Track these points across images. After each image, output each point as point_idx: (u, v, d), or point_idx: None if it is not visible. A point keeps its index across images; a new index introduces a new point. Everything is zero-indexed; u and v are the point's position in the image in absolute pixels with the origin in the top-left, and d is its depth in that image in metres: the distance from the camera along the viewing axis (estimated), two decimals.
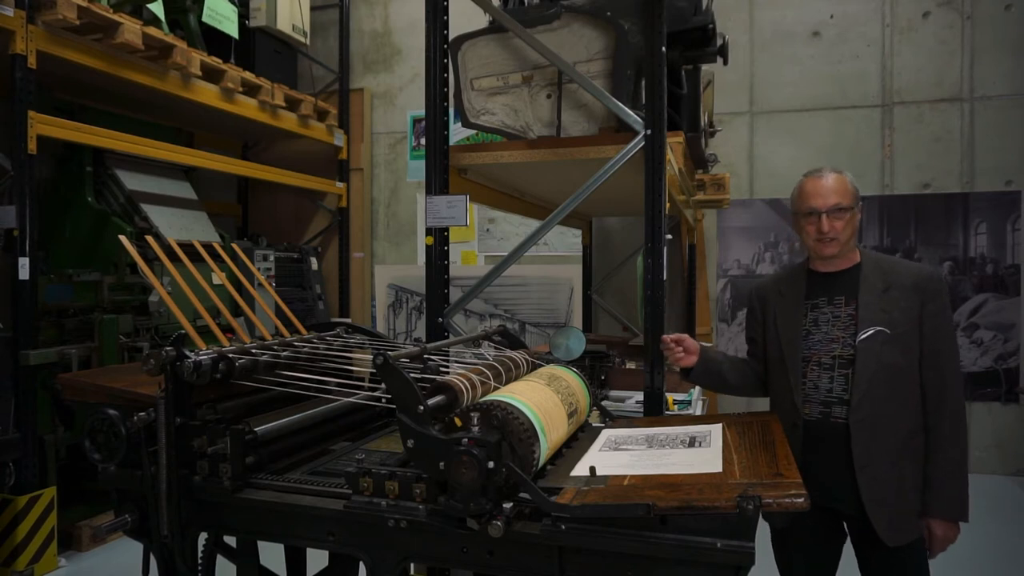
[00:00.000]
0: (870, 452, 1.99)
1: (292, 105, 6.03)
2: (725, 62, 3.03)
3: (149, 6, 4.61)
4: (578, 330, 2.16)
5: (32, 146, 3.80)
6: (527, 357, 1.92)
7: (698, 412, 2.94)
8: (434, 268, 2.57)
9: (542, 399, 1.58)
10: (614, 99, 2.40)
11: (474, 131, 3.01)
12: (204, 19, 5.01)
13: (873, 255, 2.17)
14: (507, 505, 1.36)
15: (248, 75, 5.45)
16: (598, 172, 2.38)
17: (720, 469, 1.45)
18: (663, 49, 2.28)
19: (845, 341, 2.06)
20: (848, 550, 2.17)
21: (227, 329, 2.43)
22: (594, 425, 1.99)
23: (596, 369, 2.89)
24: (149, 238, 2.11)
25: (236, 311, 4.37)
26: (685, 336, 2.24)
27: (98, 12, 4.00)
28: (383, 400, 1.75)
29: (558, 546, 1.37)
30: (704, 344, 2.30)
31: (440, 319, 2.57)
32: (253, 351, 1.82)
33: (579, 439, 1.84)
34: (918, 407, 2.03)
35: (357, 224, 6.98)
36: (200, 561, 1.84)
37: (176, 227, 5.12)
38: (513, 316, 3.21)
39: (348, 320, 4.54)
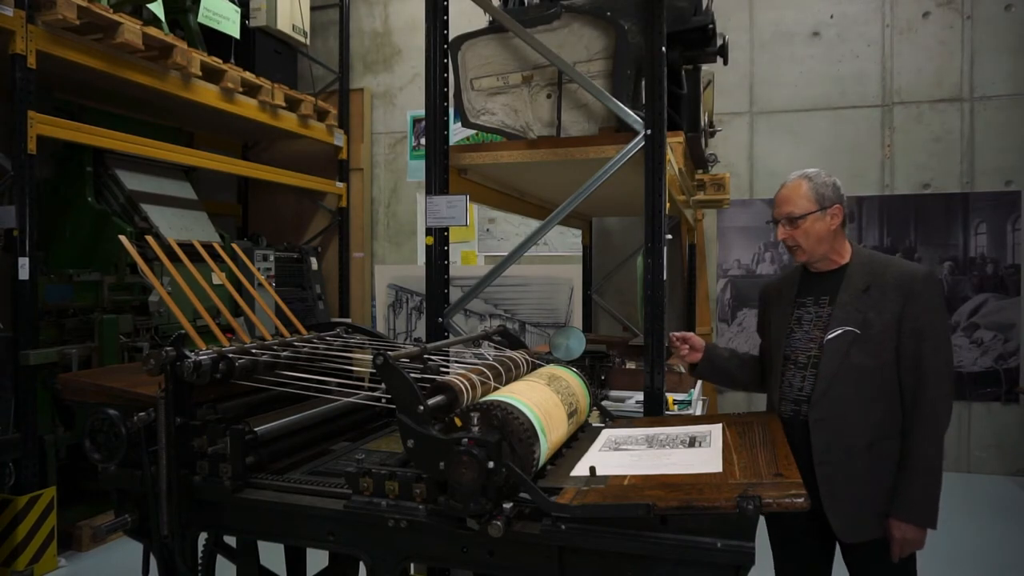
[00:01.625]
0: (830, 449, 1.99)
1: (292, 105, 6.03)
2: (725, 62, 3.03)
3: (149, 6, 4.61)
4: (578, 330, 2.16)
5: (32, 146, 3.80)
6: (527, 357, 1.92)
7: (698, 412, 2.94)
8: (434, 268, 2.57)
9: (542, 399, 1.58)
10: (614, 99, 2.40)
11: (474, 131, 3.00)
12: (201, 20, 5.00)
13: (867, 254, 2.14)
14: (507, 505, 1.35)
15: (248, 75, 5.45)
16: (598, 172, 2.38)
17: (720, 469, 1.45)
18: (663, 49, 2.28)
19: (819, 341, 2.07)
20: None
21: (227, 329, 2.43)
22: (594, 425, 1.99)
23: (596, 369, 2.88)
24: (149, 238, 2.11)
25: (236, 311, 4.37)
26: (691, 335, 2.29)
27: (98, 12, 4.00)
28: (383, 400, 1.75)
29: (558, 546, 1.37)
30: (711, 343, 2.34)
31: (440, 319, 2.57)
32: (253, 351, 1.82)
33: (579, 439, 1.84)
34: (892, 409, 2.00)
35: (357, 224, 6.98)
36: (200, 561, 1.84)
37: (176, 227, 5.12)
38: (513, 316, 3.20)
39: (348, 320, 4.54)
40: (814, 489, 1.99)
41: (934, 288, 2.02)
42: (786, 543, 2.22)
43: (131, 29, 4.21)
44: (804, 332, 2.12)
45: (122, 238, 2.07)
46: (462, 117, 2.79)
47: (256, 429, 1.72)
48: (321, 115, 6.51)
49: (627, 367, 3.13)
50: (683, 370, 2.93)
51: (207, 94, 5.09)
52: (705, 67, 3.35)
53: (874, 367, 1.99)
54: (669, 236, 2.52)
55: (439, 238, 2.57)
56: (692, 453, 1.60)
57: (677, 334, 2.30)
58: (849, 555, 2.11)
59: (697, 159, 4.00)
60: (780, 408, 2.11)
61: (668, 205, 2.36)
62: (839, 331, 2.02)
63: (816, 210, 2.06)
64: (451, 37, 2.62)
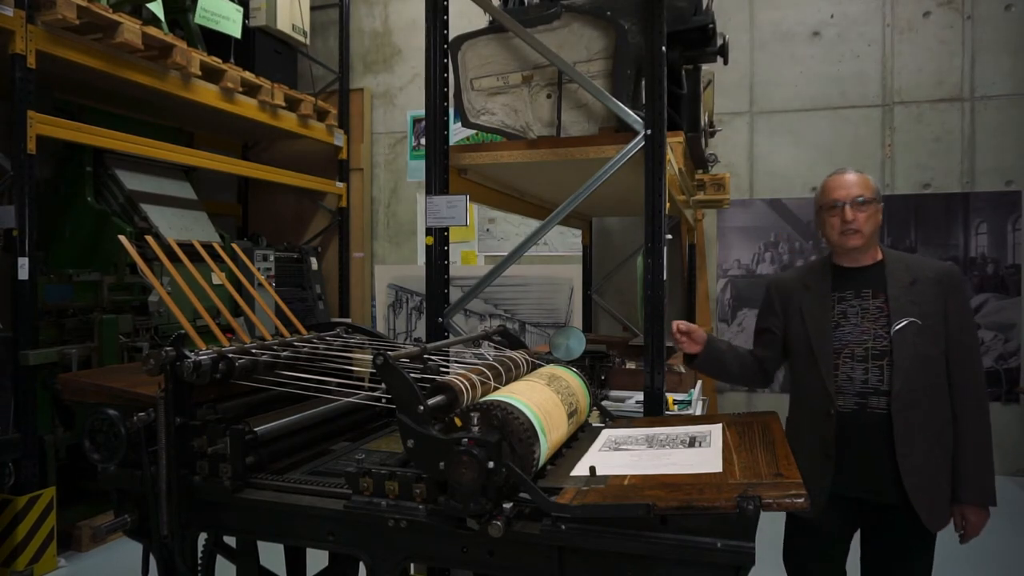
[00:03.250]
0: (912, 441, 2.03)
1: (292, 105, 6.03)
2: (725, 62, 3.02)
3: (149, 6, 4.61)
4: (578, 330, 2.16)
5: (32, 146, 3.80)
6: (527, 357, 1.92)
7: (698, 412, 2.94)
8: (434, 268, 2.57)
9: (542, 399, 1.58)
10: (614, 99, 2.40)
11: (474, 131, 3.00)
12: (198, 20, 4.98)
13: (895, 252, 2.23)
14: (507, 505, 1.35)
15: (248, 75, 5.45)
16: (598, 172, 2.38)
17: (720, 469, 1.44)
18: (663, 49, 2.28)
19: (876, 333, 2.10)
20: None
21: (227, 329, 2.43)
22: (594, 425, 1.99)
23: (596, 369, 2.88)
24: (149, 238, 2.11)
25: (236, 311, 4.37)
26: (696, 327, 2.27)
27: (98, 12, 4.00)
28: (383, 400, 1.75)
29: (558, 546, 1.37)
30: (712, 335, 2.33)
31: (440, 319, 2.57)
32: (253, 351, 1.82)
33: (579, 439, 1.84)
34: (948, 396, 2.08)
35: (357, 224, 6.97)
36: (200, 561, 1.84)
37: (176, 227, 5.12)
38: (513, 316, 3.21)
39: (348, 320, 4.54)
40: (895, 482, 2.04)
41: (965, 283, 2.20)
42: (808, 536, 2.23)
43: (131, 29, 4.20)
44: (853, 325, 2.14)
45: (122, 238, 2.07)
46: (462, 117, 2.79)
47: (256, 429, 1.71)
48: (321, 115, 6.50)
49: (627, 367, 3.13)
50: (683, 370, 2.92)
51: (207, 94, 5.09)
52: (705, 67, 3.35)
53: (936, 356, 2.07)
54: (669, 236, 2.52)
55: (439, 238, 2.57)
56: (692, 453, 1.59)
57: (680, 325, 2.27)
58: (886, 546, 2.15)
59: (697, 159, 4.00)
60: (837, 402, 2.12)
61: (668, 205, 2.36)
62: (904, 322, 2.07)
63: (879, 200, 2.16)
64: (451, 37, 2.62)
